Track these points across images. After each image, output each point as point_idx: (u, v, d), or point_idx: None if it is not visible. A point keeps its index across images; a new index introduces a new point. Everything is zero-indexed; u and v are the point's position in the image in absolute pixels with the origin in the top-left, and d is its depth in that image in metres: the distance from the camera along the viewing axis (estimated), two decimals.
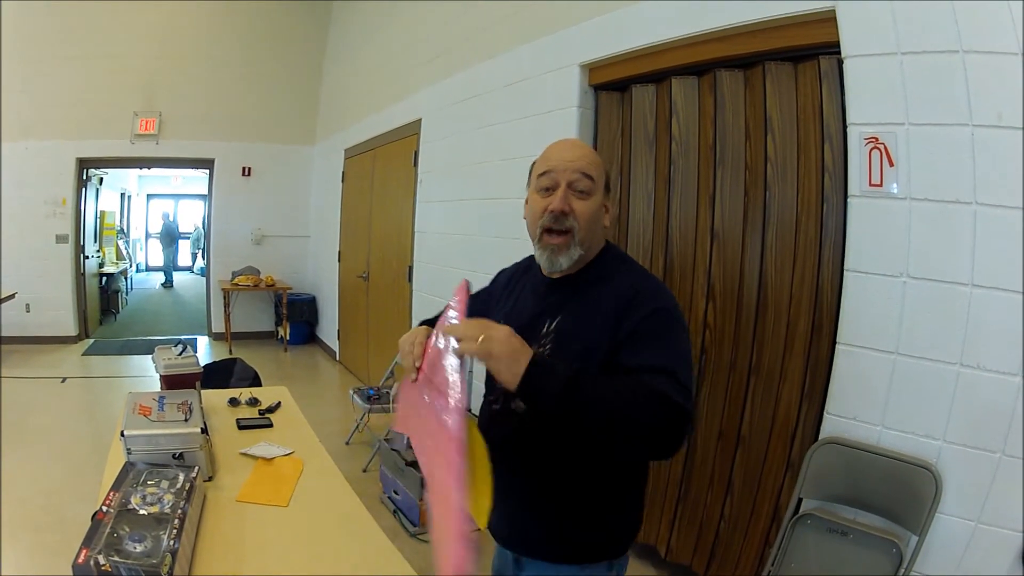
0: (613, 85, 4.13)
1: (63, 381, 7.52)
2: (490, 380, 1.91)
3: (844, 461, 2.67)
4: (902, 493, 2.52)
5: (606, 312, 1.70)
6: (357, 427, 5.98)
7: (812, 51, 2.97)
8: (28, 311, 9.12)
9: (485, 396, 1.99)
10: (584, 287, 1.82)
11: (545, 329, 1.80)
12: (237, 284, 9.95)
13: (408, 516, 4.40)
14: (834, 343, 2.80)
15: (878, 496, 2.60)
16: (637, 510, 1.92)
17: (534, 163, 1.92)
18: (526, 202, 1.97)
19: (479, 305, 2.12)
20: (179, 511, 1.87)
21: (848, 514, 2.72)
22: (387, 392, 5.75)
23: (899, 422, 2.57)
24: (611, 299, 1.72)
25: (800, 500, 2.80)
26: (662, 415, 1.43)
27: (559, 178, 1.78)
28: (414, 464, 4.40)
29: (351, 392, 6.03)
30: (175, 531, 1.77)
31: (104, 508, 1.83)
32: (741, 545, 3.30)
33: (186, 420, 2.42)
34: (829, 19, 2.78)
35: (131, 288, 15.79)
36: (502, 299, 2.09)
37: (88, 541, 1.66)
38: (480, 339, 1.49)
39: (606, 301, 1.73)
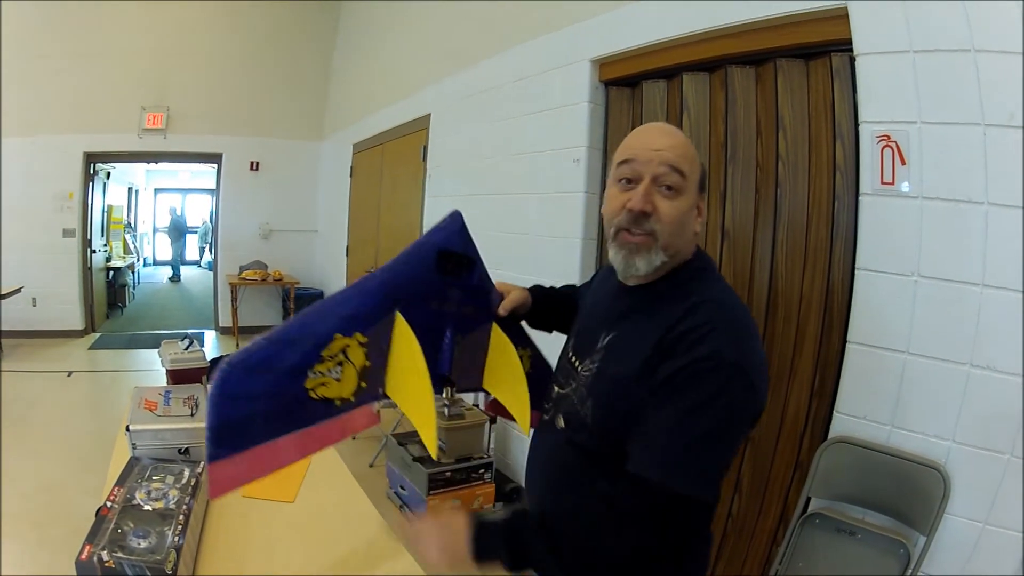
0: (624, 81, 4.12)
1: (69, 375, 7.56)
2: (548, 392, 1.81)
3: (853, 461, 2.66)
4: (911, 493, 2.51)
5: (651, 341, 1.44)
6: None
7: (824, 48, 2.95)
8: (35, 305, 9.13)
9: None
10: (650, 301, 1.56)
11: (600, 344, 1.60)
12: (244, 278, 9.91)
13: (415, 512, 4.38)
14: (844, 342, 2.78)
15: (887, 496, 2.59)
16: (698, 551, 1.62)
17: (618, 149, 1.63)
18: (603, 192, 1.68)
19: (578, 297, 2.08)
20: (184, 507, 1.87)
21: (856, 514, 2.70)
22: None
23: (909, 422, 2.56)
24: (661, 326, 1.44)
25: (808, 499, 2.79)
26: (633, 536, 1.36)
27: (642, 170, 1.49)
28: (421, 460, 4.41)
29: None
30: (180, 527, 1.77)
31: (108, 503, 1.83)
32: (748, 544, 3.28)
33: (192, 415, 2.42)
34: (841, 16, 2.76)
35: (138, 282, 15.83)
36: (590, 296, 1.91)
37: (92, 537, 1.67)
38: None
39: (657, 326, 1.46)
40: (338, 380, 1.47)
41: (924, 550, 2.45)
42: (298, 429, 1.43)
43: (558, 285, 2.24)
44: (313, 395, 1.43)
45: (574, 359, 1.70)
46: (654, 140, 1.52)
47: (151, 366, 7.75)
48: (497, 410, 1.98)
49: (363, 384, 1.53)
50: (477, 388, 1.94)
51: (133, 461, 2.12)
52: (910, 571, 2.45)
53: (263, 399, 1.36)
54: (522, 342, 2.00)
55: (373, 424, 1.59)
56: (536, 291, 2.06)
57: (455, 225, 1.74)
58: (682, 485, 1.31)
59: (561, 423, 1.65)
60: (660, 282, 1.56)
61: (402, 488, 4.58)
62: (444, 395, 1.77)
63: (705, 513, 1.44)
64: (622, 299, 1.63)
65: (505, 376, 1.86)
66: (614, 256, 1.56)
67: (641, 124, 3.80)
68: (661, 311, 1.47)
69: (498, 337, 1.87)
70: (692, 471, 1.33)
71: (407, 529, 1.47)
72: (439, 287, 1.71)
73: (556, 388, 1.75)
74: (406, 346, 1.55)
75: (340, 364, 1.46)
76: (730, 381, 1.33)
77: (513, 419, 1.91)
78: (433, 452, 1.58)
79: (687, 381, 1.34)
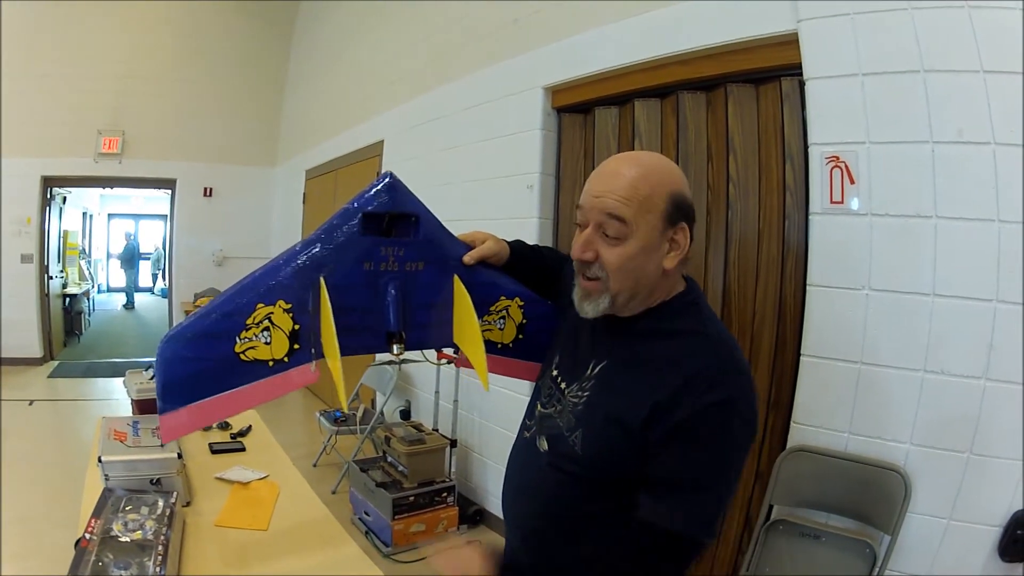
0: (576, 108, 4.19)
1: (30, 404, 7.42)
2: (530, 407, 1.80)
3: (813, 468, 2.72)
4: (872, 496, 2.57)
5: (649, 383, 1.43)
6: (324, 449, 5.97)
7: (774, 73, 3.04)
8: None
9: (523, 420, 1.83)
10: (639, 336, 1.53)
11: (588, 372, 1.58)
12: (199, 306, 9.70)
13: (380, 537, 4.43)
14: (798, 355, 2.84)
15: (848, 500, 2.66)
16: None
17: None
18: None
19: (561, 268, 2.01)
20: (162, 537, 1.88)
21: (820, 518, 2.76)
22: (353, 414, 5.76)
23: (866, 428, 2.63)
24: (658, 368, 1.44)
25: (771, 507, 2.85)
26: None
27: (587, 217, 1.49)
28: (384, 485, 4.43)
29: (317, 415, 6.01)
30: (160, 557, 1.79)
31: (87, 535, 1.83)
32: (714, 553, 3.34)
33: (162, 445, 2.41)
34: (791, 41, 2.84)
35: (93, 309, 15.55)
36: (568, 320, 1.78)
37: (75, 568, 1.68)
38: None
39: (653, 367, 1.46)
40: (268, 343, 1.63)
41: (889, 548, 2.52)
42: (235, 387, 1.61)
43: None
44: (244, 357, 1.60)
45: (560, 379, 1.68)
46: (601, 183, 1.48)
47: (110, 395, 7.67)
48: (464, 363, 2.00)
49: (295, 346, 1.67)
50: (445, 344, 1.97)
51: (107, 492, 2.11)
52: (877, 570, 2.53)
53: (197, 362, 1.57)
54: (508, 292, 1.99)
55: (311, 381, 1.72)
56: (517, 245, 2.05)
57: (382, 186, 1.77)
58: (699, 531, 1.36)
59: (544, 445, 1.63)
60: (646, 318, 1.54)
61: (366, 514, 4.59)
62: (394, 351, 1.80)
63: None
64: (608, 329, 1.60)
65: (465, 331, 1.87)
66: (574, 295, 1.58)
67: (594, 150, 3.91)
68: (653, 347, 1.49)
69: (458, 291, 1.87)
70: (706, 517, 1.37)
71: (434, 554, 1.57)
72: (370, 248, 1.75)
73: (539, 406, 1.73)
74: (324, 307, 1.64)
75: (267, 330, 1.62)
76: (736, 425, 1.38)
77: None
78: (343, 402, 1.73)
79: (698, 430, 1.37)
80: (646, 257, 1.47)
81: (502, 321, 2.00)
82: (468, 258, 1.89)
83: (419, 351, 1.97)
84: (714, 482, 1.38)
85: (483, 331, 1.90)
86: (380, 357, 5.73)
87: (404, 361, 4.82)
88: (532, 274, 2.04)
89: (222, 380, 1.59)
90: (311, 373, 1.71)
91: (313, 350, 1.72)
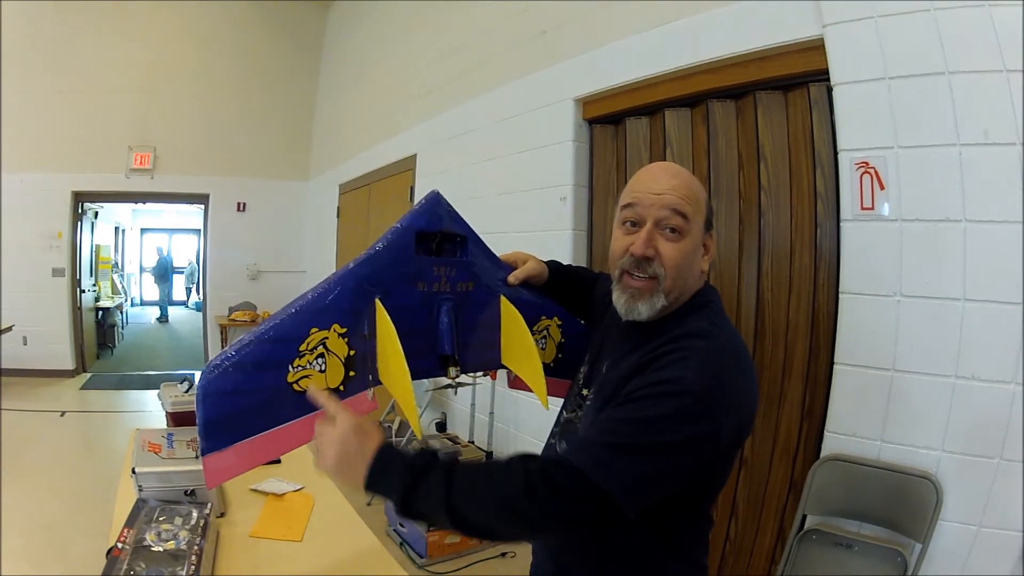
0: (607, 118, 4.19)
1: (62, 415, 7.49)
2: (558, 416, 1.78)
3: (846, 476, 2.71)
4: (904, 504, 2.56)
5: (627, 370, 1.41)
6: None
7: (802, 79, 3.03)
8: (25, 344, 9.05)
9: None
10: (652, 335, 1.47)
11: (604, 368, 1.57)
12: (234, 319, 9.89)
13: (415, 548, 4.40)
14: (832, 363, 2.83)
15: (881, 508, 2.64)
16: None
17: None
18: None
19: (595, 286, 2.00)
20: (195, 547, 1.88)
21: (852, 527, 2.75)
22: (388, 426, 5.75)
23: (898, 436, 2.61)
24: (640, 355, 1.41)
25: (804, 516, 2.83)
26: (512, 505, 1.27)
27: (644, 214, 1.46)
28: None
29: None
30: (193, 567, 1.78)
31: (119, 544, 1.84)
32: (747, 563, 3.31)
33: (196, 457, 2.41)
34: (818, 47, 2.84)
35: (127, 322, 15.68)
36: (607, 318, 1.75)
37: None
38: (315, 459, 1.41)
39: (638, 356, 1.42)
40: (322, 371, 1.52)
41: (921, 556, 2.50)
42: (287, 421, 1.49)
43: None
44: (297, 387, 1.48)
45: (582, 385, 1.67)
46: (657, 183, 1.48)
47: (143, 407, 7.74)
48: (519, 385, 1.98)
49: (351, 373, 1.58)
50: (494, 365, 1.94)
51: (140, 503, 2.12)
52: None
53: (245, 395, 1.42)
54: (548, 312, 1.99)
55: (369, 411, 1.63)
56: (553, 265, 2.06)
57: (431, 204, 1.74)
58: (603, 481, 1.24)
59: (563, 448, 1.63)
60: (662, 320, 1.49)
61: (401, 525, 4.57)
62: (451, 375, 1.76)
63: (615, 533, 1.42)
64: (625, 330, 1.57)
65: (517, 351, 1.85)
66: (617, 298, 1.52)
67: (626, 161, 3.89)
68: (649, 343, 1.43)
69: (507, 311, 1.85)
70: (616, 472, 1.25)
71: (319, 423, 1.43)
72: (424, 268, 1.71)
73: (564, 412, 1.74)
74: (385, 331, 1.57)
75: (322, 356, 1.51)
76: (685, 407, 1.27)
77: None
78: (416, 430, 1.60)
79: (642, 397, 1.30)
80: (696, 256, 1.50)
81: (543, 341, 1.99)
82: (513, 278, 1.91)
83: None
84: (640, 447, 1.27)
85: None
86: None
87: (460, 384, 4.81)
88: (568, 294, 2.06)
89: (273, 414, 1.47)
90: (368, 402, 1.63)
91: (370, 376, 1.65)
